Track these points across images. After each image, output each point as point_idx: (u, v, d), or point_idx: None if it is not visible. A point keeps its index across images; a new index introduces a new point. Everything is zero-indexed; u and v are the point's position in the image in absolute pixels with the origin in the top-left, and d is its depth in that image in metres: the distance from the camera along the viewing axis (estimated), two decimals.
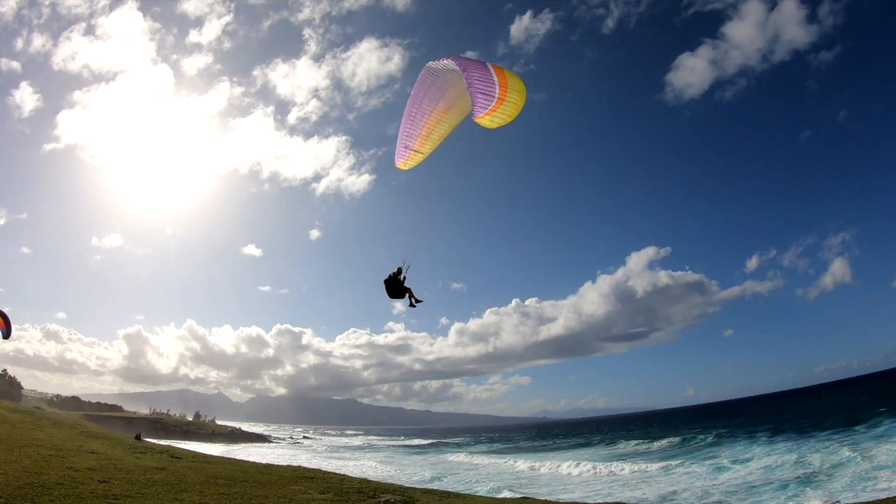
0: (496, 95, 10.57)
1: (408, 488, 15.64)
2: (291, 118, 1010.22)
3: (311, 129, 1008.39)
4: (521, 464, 54.30)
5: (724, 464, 37.78)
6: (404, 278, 14.75)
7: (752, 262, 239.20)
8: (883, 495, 21.42)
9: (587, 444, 78.97)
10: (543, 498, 22.45)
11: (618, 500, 27.36)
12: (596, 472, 41.69)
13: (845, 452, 32.91)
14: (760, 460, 36.73)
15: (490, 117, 10.66)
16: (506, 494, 28.10)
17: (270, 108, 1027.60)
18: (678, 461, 41.83)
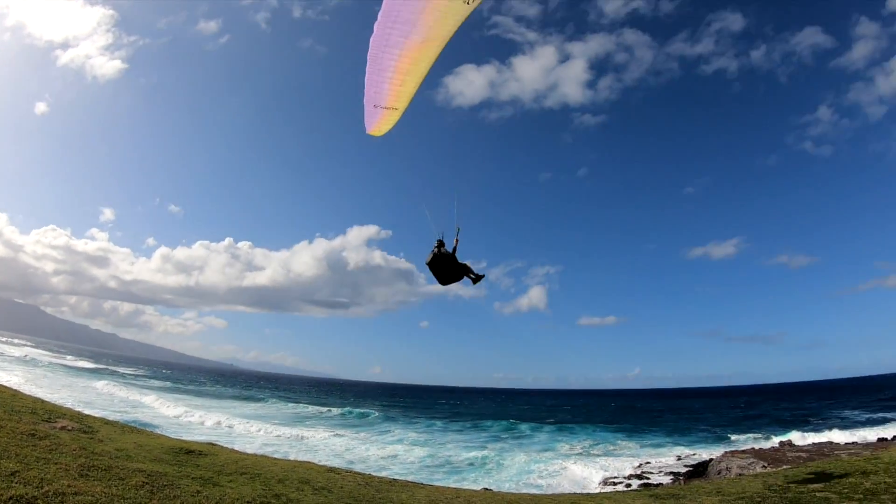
0: None
1: (86, 416, 14.62)
2: None
3: None
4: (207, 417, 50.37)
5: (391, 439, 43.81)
6: (454, 250, 11.70)
7: None
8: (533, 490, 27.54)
9: (261, 400, 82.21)
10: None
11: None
12: (278, 436, 42.76)
13: (505, 447, 40.55)
14: (436, 446, 41.84)
15: None
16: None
17: None
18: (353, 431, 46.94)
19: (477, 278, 11.85)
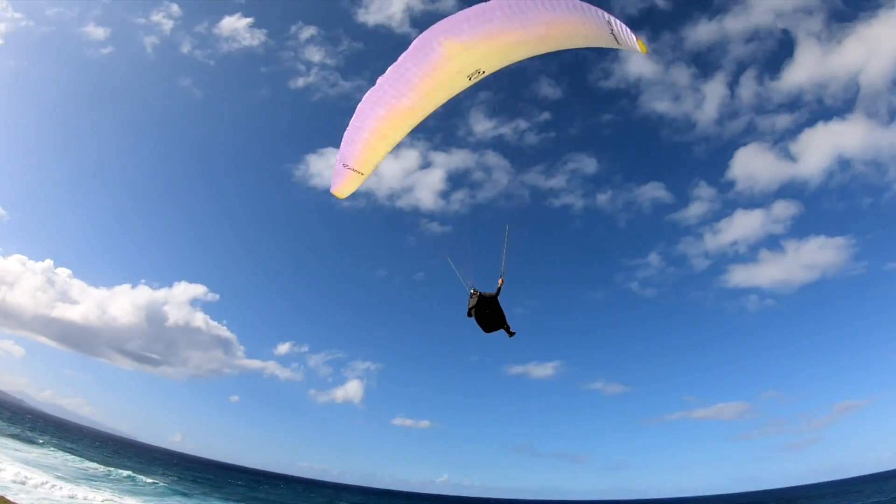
0: None
1: None
2: None
3: None
4: None
5: None
6: (498, 292, 11.75)
7: (285, 347, 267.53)
8: None
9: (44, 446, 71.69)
10: None
11: None
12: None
13: None
14: None
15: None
16: None
17: None
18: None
19: (511, 333, 11.87)
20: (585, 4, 9.99)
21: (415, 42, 10.29)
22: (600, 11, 9.99)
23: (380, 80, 10.67)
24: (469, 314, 11.77)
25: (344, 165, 11.14)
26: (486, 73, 10.98)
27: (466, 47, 10.30)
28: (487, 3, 9.96)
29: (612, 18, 9.90)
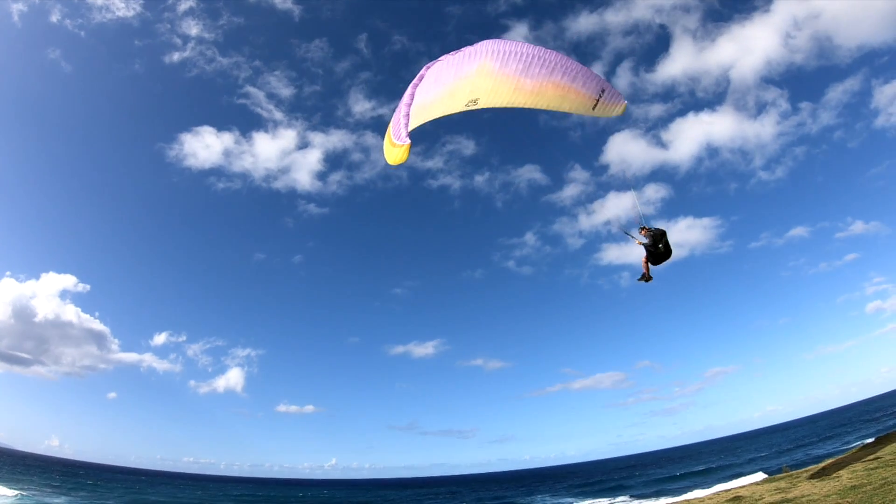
0: None
1: None
2: None
3: None
4: None
5: None
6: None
7: (161, 338, 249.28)
8: None
9: None
10: None
11: None
12: None
13: None
14: None
15: None
16: None
17: None
18: None
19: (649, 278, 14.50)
20: (593, 73, 12.75)
21: (465, 49, 12.18)
22: (601, 80, 12.86)
23: (435, 67, 12.21)
24: (653, 245, 13.86)
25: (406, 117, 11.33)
26: (478, 106, 12.66)
27: (487, 74, 12.08)
28: (526, 45, 12.16)
29: (607, 87, 12.93)
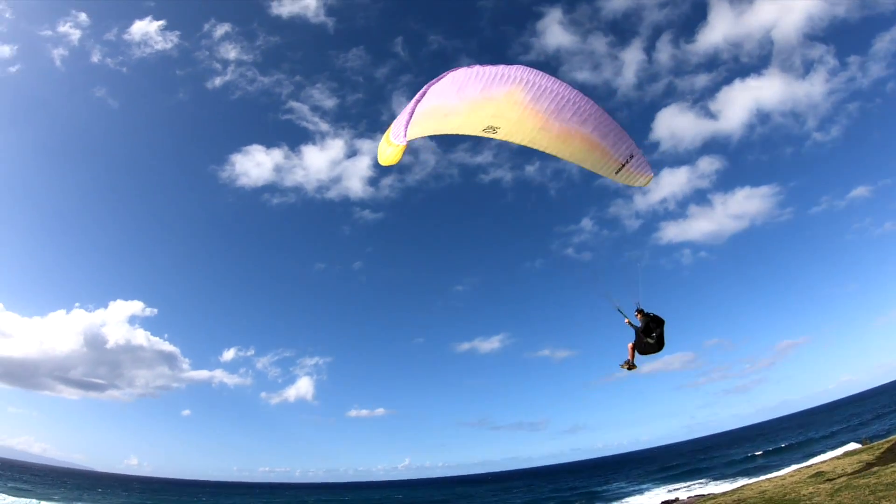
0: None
1: None
2: None
3: None
4: None
5: None
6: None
7: (230, 354, 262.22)
8: None
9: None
10: None
11: None
12: None
13: None
14: None
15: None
16: None
17: None
18: None
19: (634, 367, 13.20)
20: (626, 135, 11.96)
21: (499, 67, 11.12)
22: (632, 145, 12.10)
23: (459, 71, 11.20)
24: (644, 332, 12.83)
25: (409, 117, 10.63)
26: (496, 136, 11.82)
27: (516, 103, 11.20)
28: (562, 85, 11.30)
29: (637, 154, 12.22)
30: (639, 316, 12.78)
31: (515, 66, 11.10)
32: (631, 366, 13.00)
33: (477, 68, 11.04)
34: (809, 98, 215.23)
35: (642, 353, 12.82)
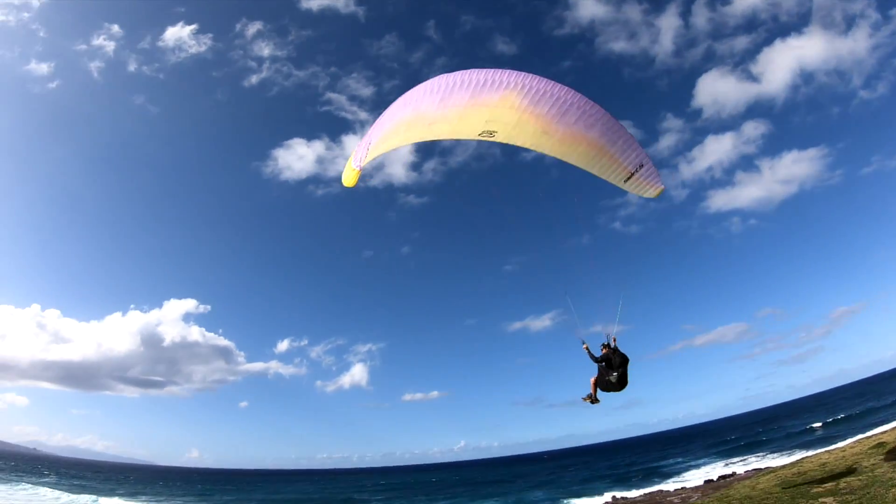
0: None
1: None
2: None
3: None
4: None
5: None
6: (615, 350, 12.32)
7: (283, 345, 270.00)
8: None
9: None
10: None
11: None
12: None
13: None
14: None
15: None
16: None
17: None
18: None
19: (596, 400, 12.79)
20: (636, 143, 11.62)
21: (488, 72, 10.73)
22: (642, 154, 11.78)
23: (435, 79, 10.88)
24: (603, 363, 12.41)
25: (368, 145, 11.00)
26: (495, 139, 11.53)
27: (512, 107, 10.83)
28: (561, 87, 10.90)
29: (647, 163, 11.79)
30: (604, 350, 12.49)
31: (507, 71, 10.80)
32: (594, 399, 12.81)
33: (459, 75, 10.72)
34: (853, 55, 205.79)
35: (604, 390, 12.60)
